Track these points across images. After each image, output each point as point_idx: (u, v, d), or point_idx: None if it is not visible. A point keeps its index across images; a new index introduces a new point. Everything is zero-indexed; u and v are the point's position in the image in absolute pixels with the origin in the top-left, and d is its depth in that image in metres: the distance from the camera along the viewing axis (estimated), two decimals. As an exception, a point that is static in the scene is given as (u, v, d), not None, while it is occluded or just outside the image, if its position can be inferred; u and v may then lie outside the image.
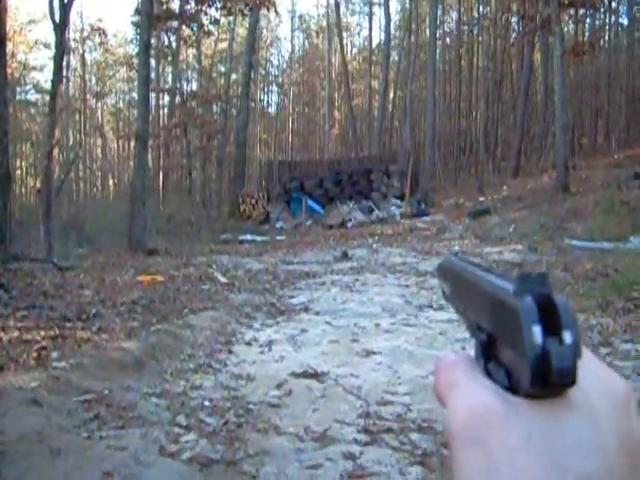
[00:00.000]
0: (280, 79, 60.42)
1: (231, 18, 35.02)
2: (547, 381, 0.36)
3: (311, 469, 3.90)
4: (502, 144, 40.03)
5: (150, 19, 16.72)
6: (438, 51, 41.40)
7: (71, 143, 41.64)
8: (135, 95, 24.30)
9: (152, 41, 22.15)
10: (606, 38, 43.18)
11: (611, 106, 40.08)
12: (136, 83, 22.64)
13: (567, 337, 0.37)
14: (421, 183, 29.04)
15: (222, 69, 46.12)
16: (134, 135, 18.17)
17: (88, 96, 47.95)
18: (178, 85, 34.95)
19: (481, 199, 26.40)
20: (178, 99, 33.54)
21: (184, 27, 30.02)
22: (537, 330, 0.37)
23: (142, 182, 16.00)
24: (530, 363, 0.36)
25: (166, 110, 40.60)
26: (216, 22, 28.68)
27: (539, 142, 37.39)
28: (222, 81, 43.30)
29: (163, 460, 4.00)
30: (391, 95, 45.25)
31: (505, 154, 38.51)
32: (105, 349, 6.09)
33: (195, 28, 29.26)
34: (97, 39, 47.22)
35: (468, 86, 47.08)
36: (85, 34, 46.20)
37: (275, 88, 61.92)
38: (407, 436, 4.36)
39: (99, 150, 52.10)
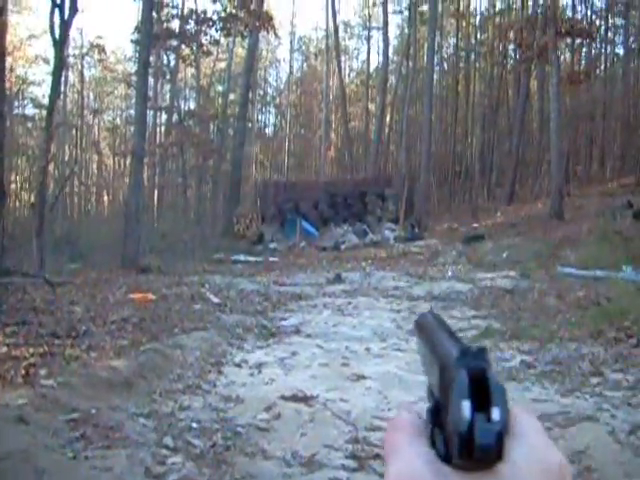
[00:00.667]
0: (278, 100, 60.64)
1: (230, 39, 35.24)
2: (472, 455, 0.37)
3: (297, 495, 3.87)
4: (497, 170, 40.16)
5: (150, 38, 16.82)
6: (435, 76, 41.66)
7: (67, 158, 41.62)
8: (132, 112, 24.39)
9: (151, 59, 22.27)
10: (602, 67, 43.56)
11: (606, 135, 40.30)
12: (134, 100, 22.72)
13: (495, 414, 0.37)
14: (416, 207, 29.09)
15: (220, 89, 46.28)
16: (130, 152, 18.20)
17: (85, 112, 48.03)
18: (176, 104, 35.01)
19: (475, 225, 26.45)
20: (175, 117, 33.61)
21: (183, 46, 30.19)
22: (466, 405, 0.38)
23: (137, 199, 15.99)
24: (456, 437, 0.37)
25: (163, 128, 40.67)
26: (216, 42, 28.85)
27: (534, 169, 37.55)
28: (220, 101, 43.45)
29: (148, 482, 3.97)
30: (388, 118, 45.46)
31: (500, 180, 38.63)
32: (94, 367, 6.05)
33: (194, 48, 29.44)
34: (96, 56, 47.42)
35: (464, 111, 47.31)
36: (84, 50, 46.36)
37: (272, 109, 62.14)
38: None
39: (95, 166, 52.09)
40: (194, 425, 5.02)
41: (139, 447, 4.46)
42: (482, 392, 0.38)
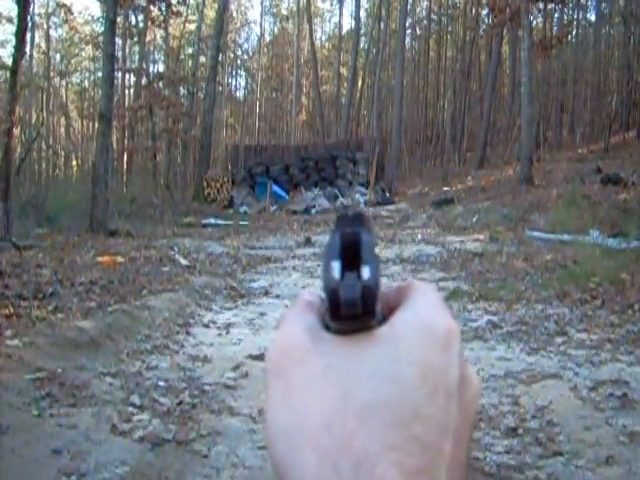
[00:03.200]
0: (248, 63, 60.03)
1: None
2: (340, 313, 0.37)
3: (263, 450, 3.89)
4: (468, 135, 40.28)
5: (116, -4, 16.46)
6: (407, 40, 41.46)
7: (34, 121, 40.92)
8: (100, 74, 23.98)
9: (119, 20, 21.84)
10: (574, 33, 43.64)
11: (576, 101, 40.54)
12: (101, 62, 22.33)
13: (365, 272, 0.37)
14: (387, 171, 29.13)
15: (190, 51, 45.66)
16: (98, 115, 17.91)
17: (52, 74, 47.13)
18: (145, 66, 34.49)
19: (445, 189, 26.56)
20: (144, 80, 33.11)
21: (152, 7, 29.64)
22: (336, 265, 0.38)
23: (105, 162, 15.78)
24: (327, 296, 0.38)
25: (132, 91, 40.13)
26: (184, 2, 28.35)
27: (505, 134, 37.73)
28: (190, 63, 42.88)
29: (114, 439, 3.96)
30: (359, 83, 45.22)
31: (471, 145, 38.78)
32: (60, 328, 6.00)
33: (163, 8, 28.92)
34: (62, 16, 46.51)
35: (436, 76, 47.26)
36: (50, 10, 45.40)
37: (243, 72, 61.55)
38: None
39: (63, 130, 51.32)
40: (161, 384, 5.01)
41: (105, 405, 4.45)
42: (357, 255, 0.38)
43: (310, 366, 0.38)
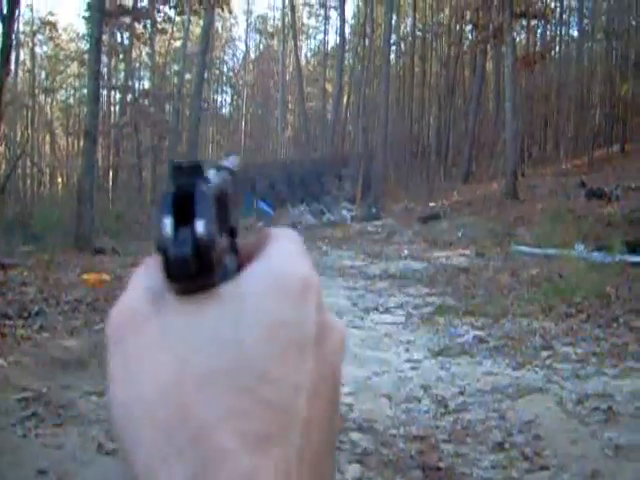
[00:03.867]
0: (234, 80, 60.18)
1: (185, 17, 34.79)
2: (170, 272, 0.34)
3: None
4: (453, 150, 40.47)
5: (102, 14, 16.49)
6: (392, 56, 41.72)
7: (18, 139, 40.80)
8: (86, 91, 24.00)
9: (104, 37, 21.88)
10: (557, 49, 44.07)
11: (560, 115, 40.86)
12: (87, 79, 22.35)
13: (199, 225, 0.34)
14: (372, 187, 29.20)
15: (175, 68, 45.72)
16: (83, 132, 17.90)
17: (37, 91, 47.05)
18: (130, 83, 34.54)
19: (431, 204, 26.65)
20: (130, 97, 33.14)
21: (137, 24, 29.72)
22: (167, 222, 0.35)
23: (90, 179, 15.75)
24: (160, 256, 0.34)
25: (117, 108, 40.10)
26: (170, 20, 28.44)
27: (489, 149, 37.92)
28: (175, 80, 42.91)
29: (101, 458, 3.94)
30: (345, 99, 45.42)
31: (456, 160, 38.95)
32: (46, 347, 5.98)
33: (148, 26, 29.00)
34: (47, 33, 46.50)
35: (421, 92, 47.50)
36: (35, 27, 45.38)
37: (229, 89, 61.66)
38: (347, 435, 4.37)
39: (48, 147, 51.18)
40: (148, 402, 4.99)
41: (92, 424, 4.43)
42: (188, 208, 0.35)
43: (147, 332, 0.35)
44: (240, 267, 0.38)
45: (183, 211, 0.35)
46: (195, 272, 0.34)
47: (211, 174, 0.39)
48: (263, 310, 0.34)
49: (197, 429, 0.32)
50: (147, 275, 0.37)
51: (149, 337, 0.35)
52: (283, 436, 0.33)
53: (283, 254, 0.38)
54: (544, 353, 6.44)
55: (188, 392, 0.33)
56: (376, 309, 9.01)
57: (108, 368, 0.36)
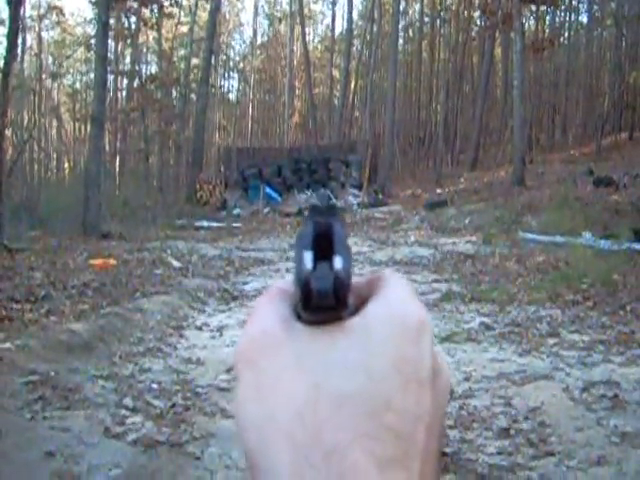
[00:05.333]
0: (241, 65, 60.00)
1: (193, 1, 34.70)
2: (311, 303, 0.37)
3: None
4: (461, 137, 40.37)
5: (109, -1, 16.45)
6: (400, 42, 41.53)
7: (25, 123, 40.79)
8: (93, 76, 23.92)
9: (111, 21, 21.82)
10: (566, 35, 43.79)
11: (569, 103, 40.68)
12: (94, 64, 22.29)
13: (337, 262, 0.37)
14: (379, 173, 29.15)
15: (182, 53, 45.61)
16: (90, 117, 17.89)
17: (44, 76, 46.99)
18: (137, 68, 34.45)
19: (438, 191, 26.60)
20: (137, 82, 33.08)
21: (144, 8, 29.62)
22: (308, 255, 0.38)
23: (97, 165, 15.77)
24: (299, 286, 0.37)
25: (124, 93, 40.09)
26: (177, 4, 28.34)
27: (497, 136, 37.82)
28: (182, 65, 42.82)
29: (107, 441, 3.96)
30: (352, 85, 45.25)
31: (463, 147, 38.85)
32: (53, 331, 6.00)
33: (155, 10, 28.90)
34: (54, 17, 46.41)
35: (429, 78, 47.32)
36: (42, 12, 45.28)
37: (236, 74, 61.50)
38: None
39: (54, 132, 51.19)
40: (154, 386, 5.01)
41: (98, 408, 4.45)
42: (329, 245, 0.39)
43: (282, 356, 0.37)
44: (356, 305, 0.40)
45: (320, 247, 0.38)
46: (333, 305, 0.37)
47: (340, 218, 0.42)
48: (388, 344, 0.37)
49: (332, 447, 0.35)
50: (275, 303, 0.41)
51: (284, 360, 0.37)
52: (406, 461, 0.36)
53: (400, 295, 0.40)
54: (550, 340, 6.43)
55: (322, 413, 0.35)
56: (383, 295, 9.00)
57: (238, 389, 0.38)
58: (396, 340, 0.38)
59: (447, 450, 3.94)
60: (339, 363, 0.37)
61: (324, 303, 0.37)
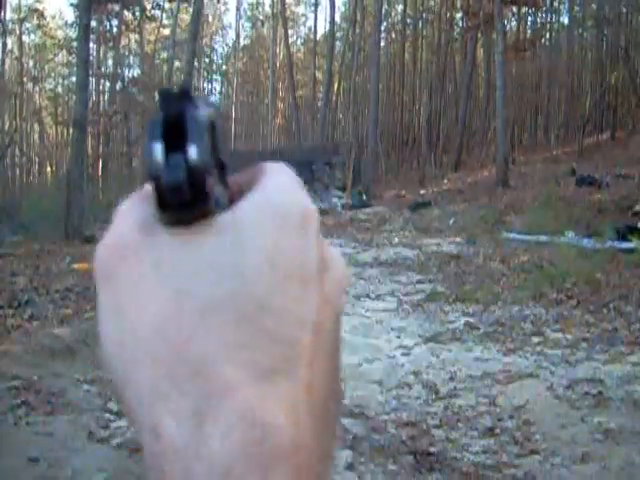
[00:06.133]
0: (224, 67, 59.94)
1: (175, 3, 34.61)
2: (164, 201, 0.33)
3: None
4: (444, 138, 40.49)
5: (90, 1, 16.36)
6: (383, 43, 41.63)
7: (7, 128, 40.54)
8: (74, 79, 23.80)
9: (93, 24, 21.73)
10: (547, 36, 44.07)
11: (551, 103, 40.92)
12: (75, 67, 22.20)
13: (192, 152, 0.32)
14: (363, 175, 29.20)
15: (165, 56, 45.49)
16: (72, 121, 17.80)
17: (25, 79, 46.73)
18: (119, 71, 34.32)
19: (422, 192, 26.67)
20: (119, 85, 32.97)
21: (126, 11, 29.52)
22: (158, 148, 0.33)
23: (80, 169, 15.67)
24: (151, 184, 0.33)
25: (107, 96, 39.88)
26: (159, 7, 28.25)
27: (480, 136, 37.97)
28: (165, 68, 42.70)
29: (92, 446, 3.94)
30: (335, 87, 45.31)
31: (447, 148, 38.98)
32: (36, 336, 5.96)
33: (137, 12, 28.80)
34: (35, 21, 46.15)
35: (412, 79, 47.45)
36: (23, 15, 45.02)
37: (219, 77, 61.45)
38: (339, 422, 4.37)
39: (36, 136, 50.89)
40: (139, 390, 4.99)
41: (82, 412, 4.42)
42: (183, 134, 0.33)
43: (140, 265, 0.33)
44: (232, 201, 0.35)
45: (174, 138, 0.33)
46: (189, 199, 0.32)
47: (200, 104, 0.36)
48: (263, 239, 0.33)
49: (198, 363, 0.31)
50: (134, 208, 0.36)
51: (142, 270, 0.33)
52: (289, 370, 0.32)
53: (281, 185, 0.36)
54: (535, 339, 6.46)
55: (187, 324, 0.31)
56: (367, 296, 9.01)
57: (98, 306, 0.34)
58: (272, 233, 0.33)
59: (432, 449, 3.95)
60: (205, 267, 0.32)
61: (179, 199, 0.32)
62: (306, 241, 0.34)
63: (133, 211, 0.35)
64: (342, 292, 0.37)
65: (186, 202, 0.32)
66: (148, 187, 0.35)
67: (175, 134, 0.33)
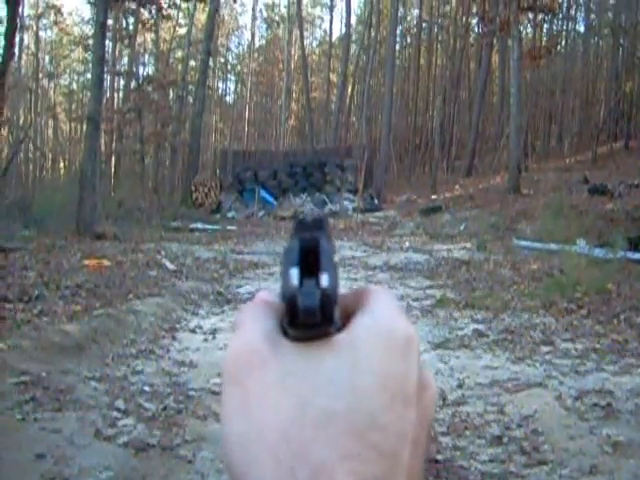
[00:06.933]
0: (239, 68, 60.02)
1: (191, 3, 34.69)
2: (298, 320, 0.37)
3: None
4: (457, 143, 40.44)
5: (107, -1, 16.41)
6: (398, 47, 41.59)
7: (21, 123, 40.70)
8: (89, 76, 23.86)
9: (109, 22, 21.79)
10: (563, 44, 43.91)
11: (565, 111, 40.77)
12: (91, 64, 22.27)
13: (324, 279, 0.37)
14: (375, 178, 29.16)
15: (180, 55, 45.59)
16: (86, 117, 17.84)
17: (40, 75, 46.93)
18: (134, 69, 34.42)
19: (434, 197, 26.63)
20: (134, 83, 33.02)
21: (142, 9, 29.60)
22: (294, 272, 0.37)
23: (92, 165, 15.71)
24: (285, 303, 0.37)
25: (121, 93, 40.02)
26: (175, 6, 28.30)
27: (493, 143, 37.88)
28: (180, 67, 42.80)
29: (98, 443, 3.93)
30: (349, 89, 45.31)
31: (459, 153, 38.92)
32: (45, 331, 5.97)
33: (153, 11, 28.88)
34: (52, 17, 46.36)
35: (426, 84, 47.41)
36: (40, 11, 45.24)
37: (233, 77, 61.53)
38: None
39: (50, 131, 51.11)
40: (146, 389, 4.99)
41: (90, 409, 4.42)
42: (316, 261, 0.38)
43: (268, 374, 0.37)
44: (342, 320, 0.39)
45: (307, 263, 0.38)
46: (319, 322, 0.37)
47: (328, 228, 0.42)
48: (374, 361, 0.37)
49: (317, 467, 0.35)
50: (261, 317, 0.40)
51: (270, 378, 0.37)
52: (391, 479, 0.36)
53: (387, 310, 0.40)
54: (544, 348, 6.42)
55: (308, 431, 0.35)
56: (377, 301, 8.98)
57: (223, 404, 0.38)
58: (382, 357, 0.37)
59: (439, 457, 3.93)
60: (325, 381, 0.36)
61: (310, 320, 0.36)
62: (409, 364, 0.38)
63: (259, 321, 0.40)
64: (433, 412, 0.42)
65: (316, 323, 0.37)
66: (269, 297, 0.42)
67: (308, 260, 0.38)
